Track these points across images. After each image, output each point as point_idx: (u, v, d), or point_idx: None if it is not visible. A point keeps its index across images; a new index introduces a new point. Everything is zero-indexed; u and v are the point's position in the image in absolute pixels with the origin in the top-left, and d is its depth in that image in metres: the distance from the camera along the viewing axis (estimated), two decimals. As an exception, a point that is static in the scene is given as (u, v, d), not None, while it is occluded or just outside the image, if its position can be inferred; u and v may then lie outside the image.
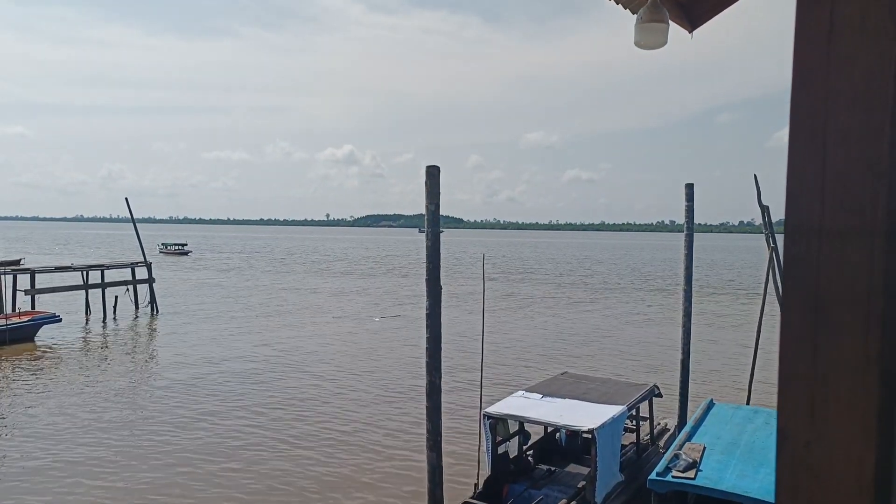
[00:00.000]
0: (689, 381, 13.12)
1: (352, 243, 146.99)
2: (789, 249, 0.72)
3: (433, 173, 8.30)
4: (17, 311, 27.30)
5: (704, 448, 8.67)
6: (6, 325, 23.86)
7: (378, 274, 60.40)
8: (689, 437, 9.18)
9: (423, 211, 8.41)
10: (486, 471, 9.60)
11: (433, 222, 8.30)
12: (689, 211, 12.70)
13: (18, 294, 29.44)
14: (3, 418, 15.22)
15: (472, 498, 9.11)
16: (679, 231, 13.04)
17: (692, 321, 13.42)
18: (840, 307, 0.69)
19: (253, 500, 10.92)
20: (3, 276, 26.95)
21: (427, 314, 8.36)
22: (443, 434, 8.82)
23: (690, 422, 10.00)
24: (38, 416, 15.32)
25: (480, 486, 9.41)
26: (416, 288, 44.50)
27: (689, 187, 12.72)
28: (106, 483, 11.48)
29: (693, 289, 13.33)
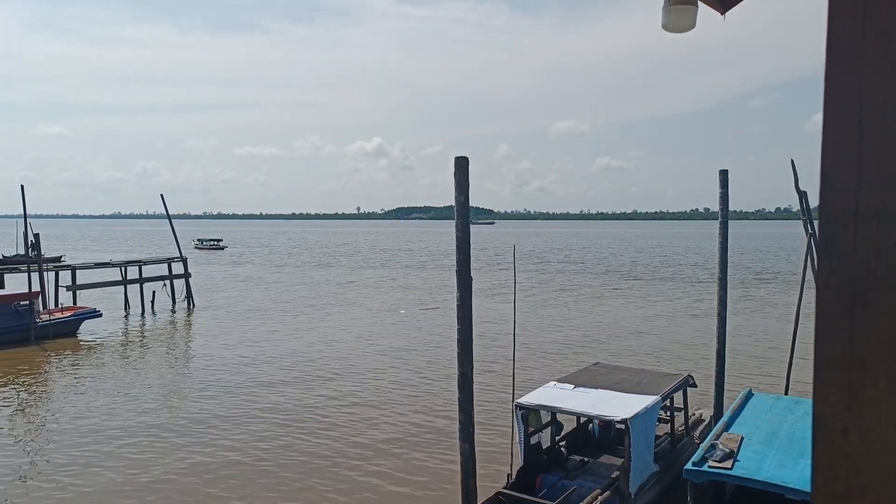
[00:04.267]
0: (726, 371, 12.90)
1: (388, 236, 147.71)
2: (824, 230, 0.70)
3: (462, 164, 8.28)
4: (60, 306, 28.15)
5: (742, 438, 8.53)
6: (49, 320, 24.61)
7: (414, 267, 60.60)
8: (726, 428, 9.03)
9: (453, 203, 8.40)
10: (518, 461, 9.59)
11: (463, 213, 8.28)
12: (724, 198, 12.43)
13: (60, 290, 30.36)
14: (48, 410, 15.72)
15: (504, 488, 9.11)
16: (714, 219, 12.78)
17: (729, 310, 13.17)
18: (878, 289, 0.67)
19: (291, 488, 11.10)
20: (45, 273, 27.75)
21: (458, 305, 8.37)
22: (476, 425, 8.84)
23: (728, 412, 9.83)
24: (79, 408, 15.78)
25: (513, 476, 9.41)
26: (453, 280, 44.57)
27: (724, 174, 12.45)
28: (142, 472, 11.79)
29: (729, 277, 13.08)
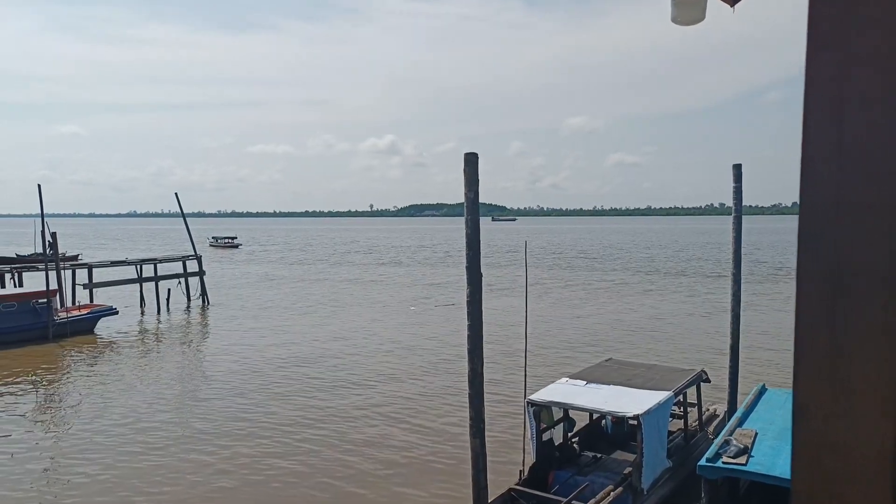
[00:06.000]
0: (740, 366, 12.81)
1: (401, 233, 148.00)
2: (805, 222, 0.70)
3: (472, 161, 8.28)
4: (77, 304, 28.51)
5: (756, 434, 8.48)
6: (67, 317, 24.93)
7: (426, 263, 60.68)
8: (740, 423, 8.98)
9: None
10: (531, 458, 9.60)
11: (472, 210, 8.29)
12: (738, 193, 12.33)
13: (77, 288, 30.75)
14: (67, 405, 15.94)
15: (517, 485, 9.12)
16: (728, 214, 12.67)
17: (743, 306, 13.08)
18: (858, 278, 0.67)
19: (301, 478, 11.19)
20: (63, 271, 28.10)
21: (468, 301, 8.38)
22: (487, 421, 8.85)
23: (741, 407, 9.77)
24: (96, 403, 15.99)
25: (526, 473, 9.42)
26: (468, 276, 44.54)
27: (737, 168, 12.35)
28: (157, 465, 11.94)
29: (744, 273, 12.99)
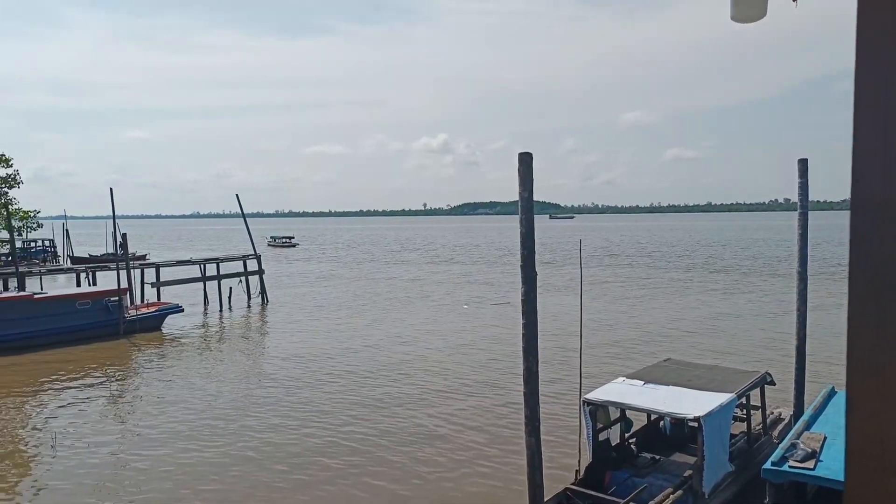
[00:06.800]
0: (807, 368, 12.34)
1: (454, 232, 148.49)
2: (855, 224, 0.71)
3: (526, 160, 8.25)
4: (146, 302, 29.78)
5: (825, 438, 8.17)
6: (137, 315, 26.07)
7: (480, 262, 60.70)
8: (807, 427, 8.68)
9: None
10: (587, 458, 9.50)
11: (527, 209, 8.27)
12: (803, 188, 11.88)
13: (145, 286, 32.11)
14: (137, 397, 16.70)
15: (573, 484, 9.04)
16: (794, 210, 12.22)
17: (810, 305, 12.59)
18: None
19: (356, 478, 11.39)
20: (132, 271, 29.39)
21: (522, 300, 8.36)
22: (543, 420, 8.81)
23: (809, 410, 9.43)
24: (163, 396, 16.68)
25: (581, 473, 9.33)
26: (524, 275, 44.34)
27: (803, 163, 11.90)
28: (222, 455, 12.36)
29: (810, 271, 12.50)
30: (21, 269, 29.98)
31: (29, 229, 58.46)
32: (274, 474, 11.70)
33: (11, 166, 53.39)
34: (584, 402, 9.35)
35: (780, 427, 11.28)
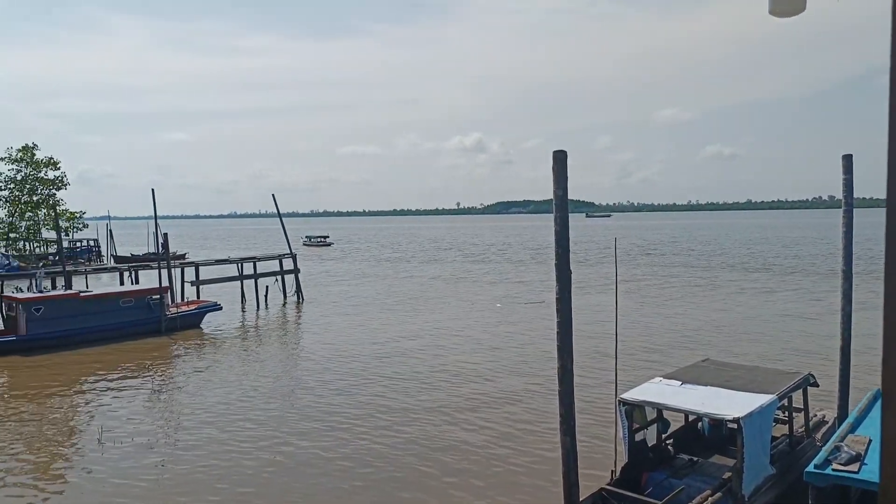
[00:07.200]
0: (852, 369, 11.98)
1: (488, 230, 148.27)
2: (892, 218, 0.70)
3: (560, 158, 8.20)
4: (186, 300, 30.47)
5: (870, 441, 7.94)
6: (177, 313, 26.70)
7: (514, 261, 60.49)
8: (852, 429, 8.44)
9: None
10: (623, 458, 9.40)
11: (561, 207, 8.21)
12: (848, 184, 11.54)
13: (185, 285, 32.85)
14: (179, 392, 17.11)
15: (608, 485, 8.96)
16: (838, 207, 11.88)
17: (855, 305, 12.22)
18: None
19: (390, 475, 11.47)
20: (173, 269, 30.10)
21: (557, 299, 8.31)
22: (578, 420, 8.75)
23: (854, 412, 9.17)
24: (203, 391, 17.06)
25: (618, 473, 9.24)
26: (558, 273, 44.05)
27: (847, 159, 11.56)
28: (258, 450, 12.58)
29: (855, 269, 12.14)
30: (67, 268, 30.97)
31: (75, 229, 60.36)
32: (309, 479, 11.86)
33: (59, 169, 55.29)
34: (619, 401, 9.25)
35: (823, 430, 10.99)
